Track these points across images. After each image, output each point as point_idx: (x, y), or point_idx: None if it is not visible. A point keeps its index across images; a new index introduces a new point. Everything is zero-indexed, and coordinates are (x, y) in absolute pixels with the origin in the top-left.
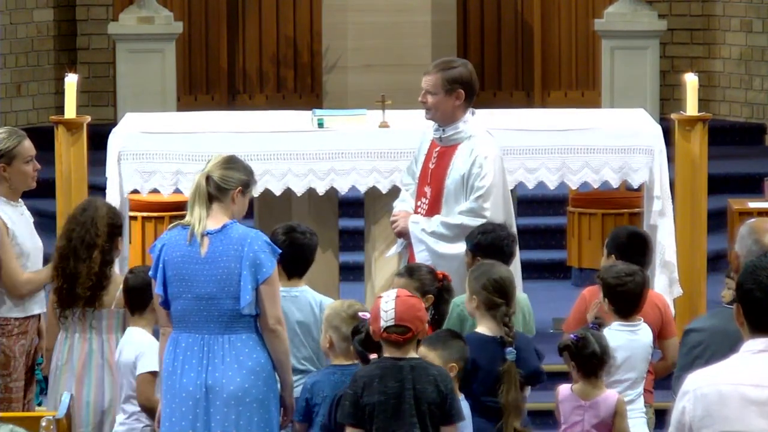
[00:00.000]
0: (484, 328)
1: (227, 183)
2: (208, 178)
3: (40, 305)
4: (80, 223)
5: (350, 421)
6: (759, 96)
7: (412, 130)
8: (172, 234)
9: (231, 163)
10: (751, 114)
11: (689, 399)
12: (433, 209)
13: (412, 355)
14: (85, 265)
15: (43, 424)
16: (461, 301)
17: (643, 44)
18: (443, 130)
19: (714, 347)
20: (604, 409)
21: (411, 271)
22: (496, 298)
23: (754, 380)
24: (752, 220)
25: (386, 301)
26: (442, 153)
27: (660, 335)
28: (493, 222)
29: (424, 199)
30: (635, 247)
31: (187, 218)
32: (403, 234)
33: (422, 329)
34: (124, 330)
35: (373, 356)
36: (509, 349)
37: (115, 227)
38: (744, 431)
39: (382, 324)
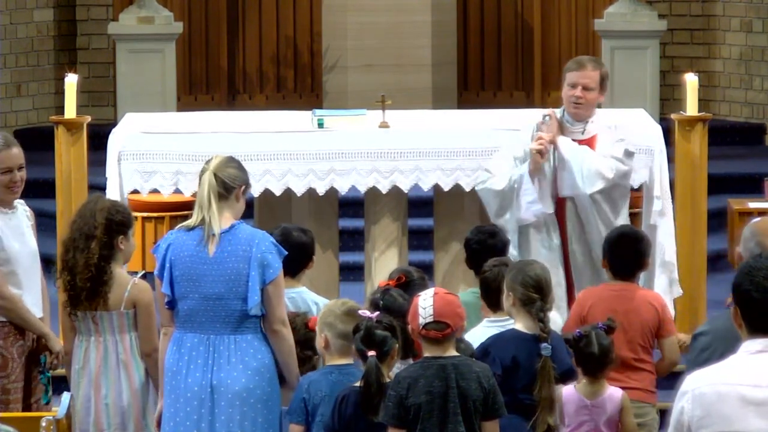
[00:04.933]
0: (521, 325)
1: (233, 181)
2: (215, 176)
3: (38, 308)
4: (81, 215)
5: (394, 422)
6: (759, 96)
7: (412, 130)
8: (177, 234)
9: (233, 162)
10: (751, 114)
11: (688, 399)
12: None
13: (452, 352)
14: (83, 256)
15: (43, 424)
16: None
17: (643, 44)
18: (585, 123)
19: (721, 349)
20: (611, 407)
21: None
22: (533, 293)
23: (753, 380)
24: (756, 220)
25: (424, 299)
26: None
27: (658, 334)
28: (492, 225)
29: None
30: (623, 246)
31: (195, 217)
32: (543, 153)
33: (461, 326)
34: (136, 330)
35: (371, 353)
36: (544, 344)
37: (114, 223)
38: (742, 431)
39: (421, 321)
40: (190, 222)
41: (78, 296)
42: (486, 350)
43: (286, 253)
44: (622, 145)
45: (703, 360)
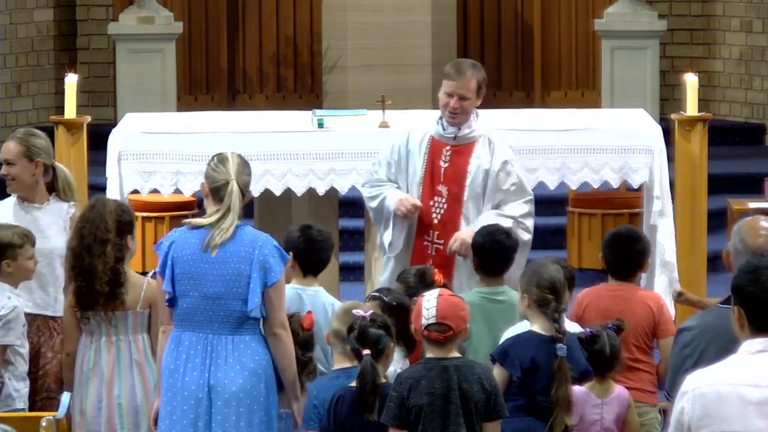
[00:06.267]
0: (538, 327)
1: (245, 187)
2: (236, 184)
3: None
4: (89, 220)
5: (395, 423)
6: (759, 96)
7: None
8: (182, 232)
9: (248, 167)
10: (751, 114)
11: (688, 399)
12: (454, 206)
13: (454, 354)
14: (100, 261)
15: (44, 424)
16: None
17: (643, 44)
18: (458, 128)
19: (704, 345)
20: (619, 405)
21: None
22: (548, 294)
23: (752, 380)
24: (748, 218)
25: (428, 300)
26: (456, 151)
27: (656, 334)
28: (498, 226)
29: (439, 198)
30: (619, 246)
31: (213, 217)
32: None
33: (464, 328)
34: (149, 331)
35: (366, 352)
36: (560, 345)
37: (123, 224)
38: (742, 431)
39: (423, 322)
40: (203, 220)
41: (95, 300)
42: (505, 352)
43: (288, 257)
44: (519, 195)
45: (684, 356)
